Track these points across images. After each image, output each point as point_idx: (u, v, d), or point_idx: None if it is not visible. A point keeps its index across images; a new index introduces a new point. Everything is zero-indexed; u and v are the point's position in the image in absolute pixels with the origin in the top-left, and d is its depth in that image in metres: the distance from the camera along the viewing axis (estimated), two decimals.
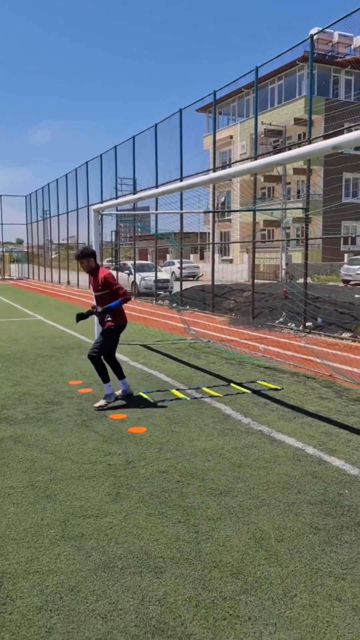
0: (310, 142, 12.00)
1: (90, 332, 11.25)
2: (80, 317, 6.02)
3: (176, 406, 6.01)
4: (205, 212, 18.12)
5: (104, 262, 31.04)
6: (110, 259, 27.01)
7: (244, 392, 6.61)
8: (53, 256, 36.75)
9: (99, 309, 5.94)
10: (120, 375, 6.30)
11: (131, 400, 6.23)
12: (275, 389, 6.74)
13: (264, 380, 7.21)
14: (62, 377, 7.44)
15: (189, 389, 6.81)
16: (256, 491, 3.83)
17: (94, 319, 7.92)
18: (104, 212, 10.79)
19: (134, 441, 4.89)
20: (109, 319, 5.92)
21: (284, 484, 3.95)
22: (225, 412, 5.77)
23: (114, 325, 5.96)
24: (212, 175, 7.84)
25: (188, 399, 6.32)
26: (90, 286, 6.28)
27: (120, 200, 10.29)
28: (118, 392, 6.28)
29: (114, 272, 22.72)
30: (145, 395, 6.43)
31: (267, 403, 6.13)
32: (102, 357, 6.00)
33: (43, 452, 4.62)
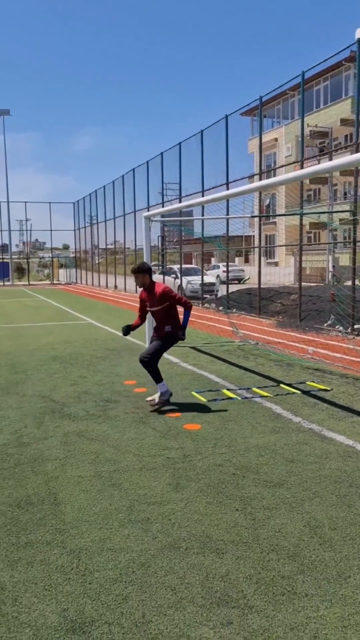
0: (357, 143, 12.02)
1: (141, 335, 11.61)
2: (126, 331, 6.62)
3: (228, 405, 6.25)
4: (252, 217, 18.25)
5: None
6: (156, 263, 27.51)
7: (293, 393, 6.79)
8: (98, 261, 37.65)
9: (182, 335, 6.17)
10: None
11: (185, 400, 6.50)
12: (325, 390, 6.89)
13: (313, 381, 7.36)
14: (117, 377, 7.80)
15: (240, 389, 7.03)
16: (309, 484, 4.03)
17: (147, 324, 8.32)
18: (154, 219, 11.15)
19: (189, 437, 5.15)
20: (169, 328, 6.15)
21: (335, 478, 4.14)
22: (275, 412, 5.97)
23: (172, 333, 6.17)
24: (258, 183, 8.04)
25: (239, 398, 6.54)
26: (145, 302, 6.44)
27: (170, 207, 10.62)
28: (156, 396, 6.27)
29: (166, 283, 23.20)
30: (197, 395, 6.70)
31: (316, 403, 6.29)
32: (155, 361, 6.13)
33: (105, 445, 4.95)
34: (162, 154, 21.97)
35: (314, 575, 2.88)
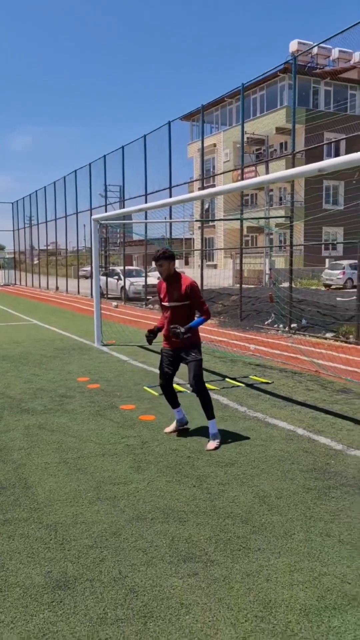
0: (293, 154, 12.77)
1: (88, 334, 11.87)
2: (152, 336, 5.27)
3: (179, 398, 6.65)
4: (196, 221, 18.83)
5: (87, 269, 31.75)
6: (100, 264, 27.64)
7: (238, 386, 7.30)
8: (38, 261, 37.30)
9: (182, 329, 4.90)
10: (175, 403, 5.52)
11: (138, 394, 6.87)
12: (267, 383, 7.44)
13: (255, 375, 7.90)
14: (69, 375, 8.05)
15: (188, 383, 7.45)
16: (256, 463, 4.51)
17: (96, 322, 8.49)
18: (104, 222, 11.43)
19: (145, 426, 5.53)
20: (189, 334, 5.00)
21: (279, 457, 4.64)
22: (223, 402, 6.44)
23: (197, 340, 5.23)
24: (202, 192, 8.54)
25: (188, 391, 6.97)
26: (162, 295, 5.24)
27: (121, 210, 10.93)
28: (172, 427, 5.47)
29: (109, 285, 23.18)
30: (149, 390, 7.08)
31: (259, 394, 6.82)
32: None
33: (67, 436, 5.25)
34: (104, 156, 22.18)
35: (264, 534, 3.34)
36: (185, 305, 5.07)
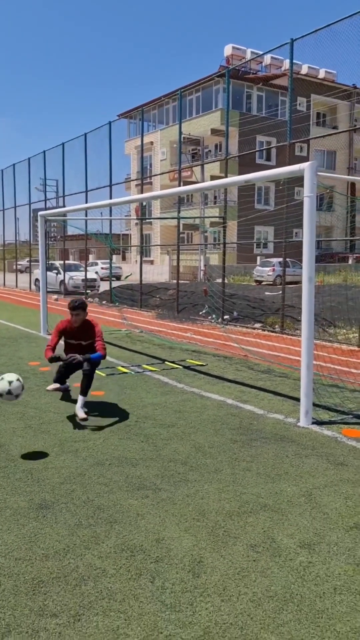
0: (226, 159, 13.81)
1: (34, 325, 12.43)
2: (56, 359, 5.89)
3: (124, 378, 7.50)
4: (137, 219, 19.58)
5: (24, 262, 31.83)
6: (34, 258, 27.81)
7: (176, 368, 8.21)
8: None
9: (82, 358, 5.83)
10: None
11: None
12: (201, 365, 8.40)
13: (191, 359, 8.85)
14: (21, 360, 8.68)
15: (132, 366, 8.31)
16: (193, 424, 5.42)
17: (42, 314, 9.08)
18: (50, 218, 12.01)
19: (96, 400, 6.33)
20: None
21: (212, 419, 5.58)
22: (163, 381, 7.33)
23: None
24: (143, 195, 9.36)
25: (132, 373, 7.82)
26: (70, 336, 6.07)
27: (69, 208, 11.55)
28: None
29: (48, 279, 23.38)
30: (97, 371, 7.84)
31: (195, 374, 7.76)
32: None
33: (28, 407, 5.96)
34: (44, 152, 22.50)
35: (200, 471, 4.25)
36: (92, 342, 6.03)
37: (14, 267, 29.53)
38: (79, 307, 5.94)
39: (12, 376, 4.78)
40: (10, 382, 4.68)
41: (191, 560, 3.00)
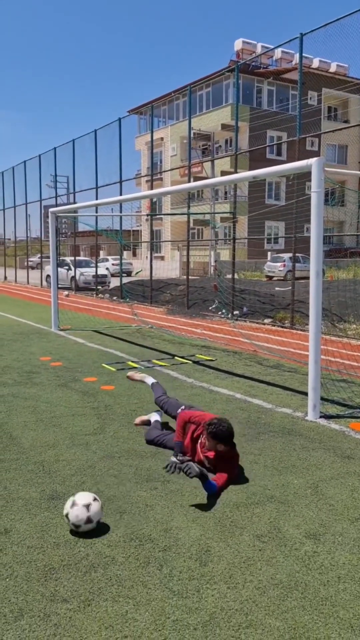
0: (236, 154, 13.81)
1: (43, 320, 12.57)
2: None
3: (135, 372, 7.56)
4: (147, 215, 19.65)
5: (35, 259, 32.02)
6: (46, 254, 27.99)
7: (186, 363, 8.28)
8: None
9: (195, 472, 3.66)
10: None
11: (97, 369, 7.72)
12: (211, 360, 8.46)
13: (201, 354, 8.91)
14: (32, 355, 8.80)
15: (142, 361, 8.38)
16: None
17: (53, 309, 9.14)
18: (60, 214, 12.11)
19: (107, 394, 6.42)
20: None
21: (220, 413, 5.62)
22: (173, 375, 7.40)
23: None
24: (153, 191, 9.40)
25: (142, 367, 7.89)
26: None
27: (79, 204, 11.65)
28: None
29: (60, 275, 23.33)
30: (107, 366, 7.94)
31: (204, 369, 7.82)
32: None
33: (39, 402, 6.06)
34: (55, 149, 22.62)
35: None
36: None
37: (25, 263, 29.76)
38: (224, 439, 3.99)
39: (85, 497, 3.31)
40: (87, 506, 3.25)
41: (198, 549, 3.07)
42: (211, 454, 4.07)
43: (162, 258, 36.97)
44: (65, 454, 4.52)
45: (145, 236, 36.05)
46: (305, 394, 5.86)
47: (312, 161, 5.33)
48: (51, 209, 11.09)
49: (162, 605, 2.59)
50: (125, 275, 29.39)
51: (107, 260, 33.63)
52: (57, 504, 3.60)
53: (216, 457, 4.03)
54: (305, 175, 8.37)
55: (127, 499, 3.69)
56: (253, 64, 39.25)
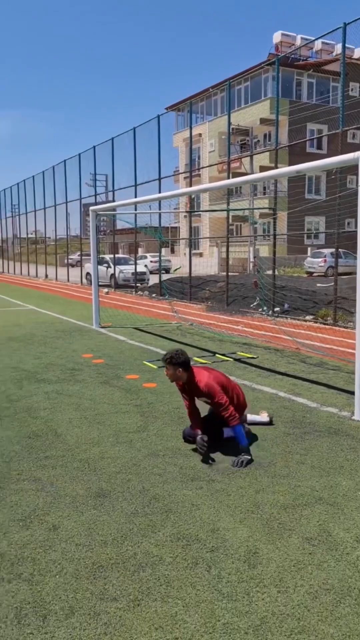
0: (276, 149, 13.61)
1: (84, 317, 12.71)
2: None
3: (148, 373, 7.55)
4: (185, 212, 19.63)
5: (75, 257, 32.44)
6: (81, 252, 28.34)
7: (227, 360, 8.21)
8: (19, 250, 38.13)
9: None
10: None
11: (138, 367, 7.75)
12: (252, 358, 8.37)
13: (242, 352, 8.83)
14: (74, 352, 8.90)
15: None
16: None
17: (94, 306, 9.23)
18: (100, 212, 12.21)
19: (149, 392, 6.42)
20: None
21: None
22: None
23: None
24: (192, 188, 9.38)
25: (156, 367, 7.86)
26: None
27: (119, 202, 11.73)
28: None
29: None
30: (148, 364, 7.95)
31: (246, 367, 7.74)
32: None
33: (83, 399, 6.12)
34: (94, 147, 22.84)
35: (253, 463, 4.25)
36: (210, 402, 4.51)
37: (65, 261, 30.18)
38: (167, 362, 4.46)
39: None
40: None
41: (246, 551, 3.03)
42: (180, 384, 4.58)
43: (201, 255, 36.87)
44: (110, 451, 4.54)
45: (184, 233, 36.04)
46: (351, 392, 5.72)
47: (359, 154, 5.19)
48: (92, 207, 11.19)
49: (211, 607, 2.56)
50: (164, 272, 29.50)
51: (145, 257, 33.81)
52: (104, 501, 3.62)
53: (185, 384, 4.54)
54: (347, 169, 8.15)
55: (172, 497, 3.68)
56: (292, 56, 38.69)
